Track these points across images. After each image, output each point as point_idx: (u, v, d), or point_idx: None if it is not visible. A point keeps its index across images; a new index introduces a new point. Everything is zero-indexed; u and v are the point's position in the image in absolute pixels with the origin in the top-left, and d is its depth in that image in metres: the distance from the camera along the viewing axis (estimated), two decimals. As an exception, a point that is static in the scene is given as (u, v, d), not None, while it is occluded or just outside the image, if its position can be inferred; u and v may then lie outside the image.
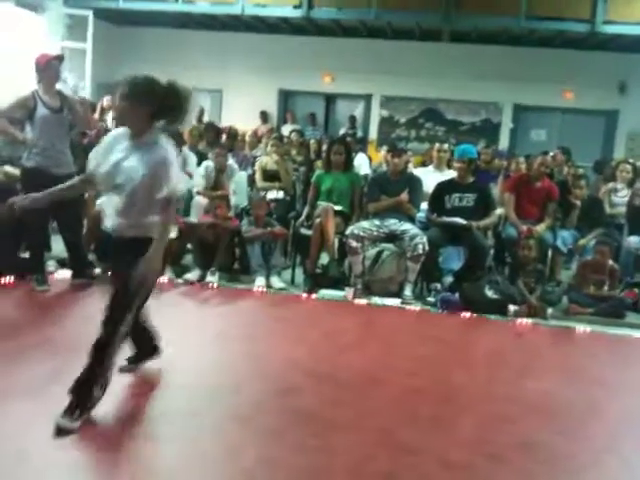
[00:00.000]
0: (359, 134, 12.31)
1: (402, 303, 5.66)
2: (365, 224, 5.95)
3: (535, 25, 10.68)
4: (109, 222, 3.10)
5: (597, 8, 10.23)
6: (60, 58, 5.34)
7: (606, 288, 5.76)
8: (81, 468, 2.66)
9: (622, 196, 6.94)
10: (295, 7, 11.25)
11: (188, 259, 6.32)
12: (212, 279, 5.81)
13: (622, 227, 6.61)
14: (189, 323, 4.78)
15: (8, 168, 6.37)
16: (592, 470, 2.92)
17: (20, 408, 3.05)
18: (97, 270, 5.68)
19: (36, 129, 5.07)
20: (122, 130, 3.12)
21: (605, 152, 11.92)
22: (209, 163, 7.00)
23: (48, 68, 5.14)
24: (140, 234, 3.06)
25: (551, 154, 6.84)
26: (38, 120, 5.07)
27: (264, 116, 12.76)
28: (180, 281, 5.81)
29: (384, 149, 9.85)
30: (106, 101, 9.52)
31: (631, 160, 8.20)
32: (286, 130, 11.34)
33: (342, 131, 12.42)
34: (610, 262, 5.81)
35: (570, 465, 2.94)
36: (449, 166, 6.91)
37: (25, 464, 2.57)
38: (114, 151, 3.04)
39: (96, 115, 9.01)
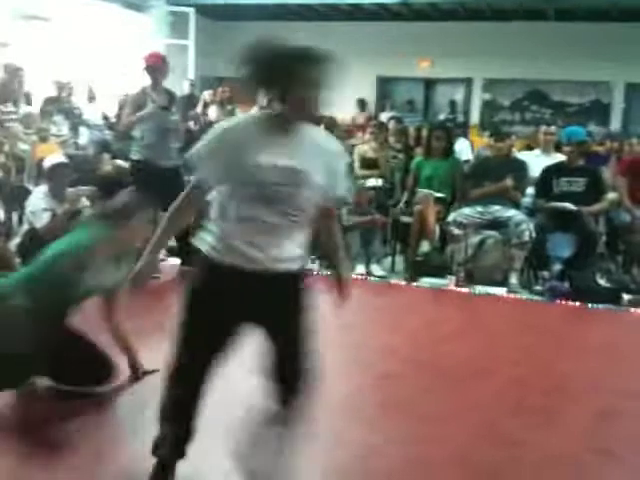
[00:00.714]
0: (460, 119, 12.03)
1: (508, 292, 5.49)
2: (467, 211, 5.79)
3: (645, -1, 10.03)
4: (245, 255, 2.14)
5: None
6: (167, 61, 5.54)
7: None
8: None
9: None
10: (392, -8, 11.11)
11: (288, 248, 6.39)
12: (312, 266, 5.84)
13: None
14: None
15: (119, 162, 6.68)
16: None
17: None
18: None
19: (144, 124, 5.29)
20: (247, 119, 2.34)
21: None
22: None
23: (156, 67, 5.36)
24: (299, 267, 2.28)
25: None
26: (147, 116, 5.28)
27: (362, 104, 12.70)
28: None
29: (486, 134, 9.57)
30: (208, 95, 9.79)
31: None
32: (384, 117, 11.24)
33: (442, 116, 12.18)
34: None
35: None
36: (557, 149, 6.61)
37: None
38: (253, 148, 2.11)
39: (199, 109, 9.30)
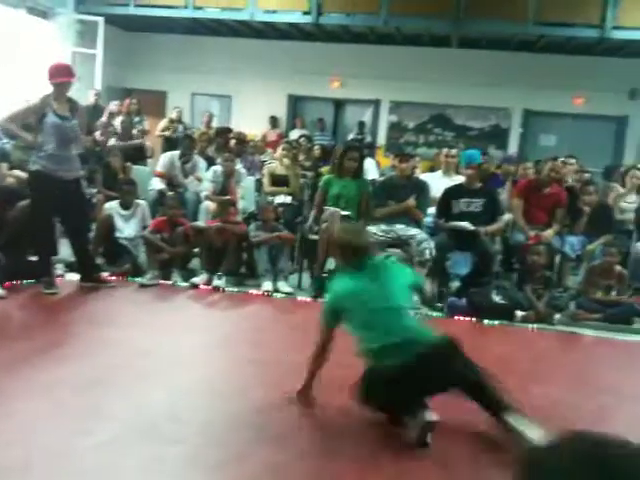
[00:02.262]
0: (367, 139, 12.31)
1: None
2: (372, 229, 5.94)
3: (544, 31, 10.67)
4: None
5: (607, 14, 10.19)
6: (73, 75, 5.37)
7: (614, 293, 5.72)
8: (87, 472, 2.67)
9: (631, 202, 6.91)
10: (304, 13, 11.28)
11: (195, 263, 6.33)
12: (219, 283, 5.82)
13: (631, 233, 6.58)
14: (195, 327, 4.79)
15: (18, 172, 6.43)
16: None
17: (25, 409, 3.06)
18: (105, 274, 5.72)
19: (45, 134, 5.11)
20: None
21: (615, 158, 11.86)
22: (217, 168, 7.04)
23: (60, 77, 5.17)
24: None
25: (561, 159, 6.81)
26: (47, 126, 5.11)
27: (274, 121, 12.79)
28: (187, 285, 5.82)
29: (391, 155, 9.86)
30: (113, 105, 9.59)
31: (640, 166, 8.18)
32: (295, 135, 11.37)
33: (351, 136, 12.43)
34: (618, 267, 5.78)
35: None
36: (457, 171, 6.90)
37: (29, 471, 2.58)
38: None
39: (104, 119, 9.09)
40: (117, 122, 9.14)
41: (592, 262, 6.09)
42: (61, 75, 5.20)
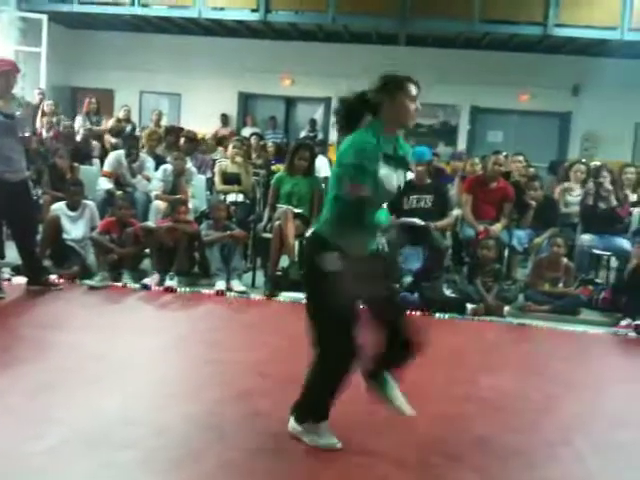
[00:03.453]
0: (319, 137, 12.34)
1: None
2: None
3: (489, 28, 10.89)
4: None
5: (549, 12, 10.45)
6: (17, 69, 5.24)
7: (561, 285, 5.88)
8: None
9: (576, 195, 7.10)
10: (252, 11, 11.25)
11: (146, 264, 6.25)
12: (171, 283, 5.76)
13: (576, 226, 6.76)
14: (148, 328, 4.74)
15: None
16: (547, 465, 2.97)
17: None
18: (53, 276, 5.60)
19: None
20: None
21: (560, 153, 12.18)
22: (167, 167, 6.96)
23: (5, 75, 5.04)
24: None
25: (504, 154, 6.94)
26: None
27: (225, 119, 12.71)
28: (138, 286, 5.74)
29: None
30: (47, 106, 9.42)
31: (584, 160, 8.41)
32: (246, 133, 11.32)
33: (302, 134, 12.44)
34: (565, 259, 5.94)
35: (525, 460, 2.99)
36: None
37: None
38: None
39: (38, 119, 8.93)
40: (77, 122, 9.00)
41: (539, 255, 6.24)
42: (5, 65, 5.07)
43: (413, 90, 2.80)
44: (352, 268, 2.64)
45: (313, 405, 2.96)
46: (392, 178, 2.79)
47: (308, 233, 5.85)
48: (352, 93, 2.84)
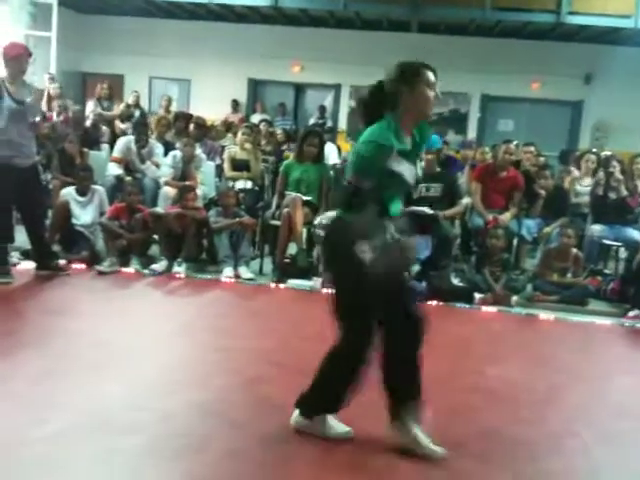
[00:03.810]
0: (328, 124, 12.30)
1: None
2: (333, 214, 5.94)
3: (501, 16, 10.79)
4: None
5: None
6: (29, 53, 5.24)
7: (570, 275, 5.86)
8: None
9: (586, 185, 7.06)
10: (263, -4, 11.20)
11: (154, 250, 6.27)
12: (179, 270, 5.78)
13: (586, 216, 6.73)
14: (156, 315, 4.76)
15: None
16: (552, 456, 2.96)
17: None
18: (62, 261, 5.62)
19: (2, 119, 4.97)
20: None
21: (571, 142, 12.10)
22: (177, 153, 6.97)
23: (17, 60, 5.04)
24: None
25: (515, 142, 6.91)
26: (4, 110, 4.97)
27: (235, 105, 12.67)
28: (146, 272, 5.76)
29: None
30: (52, 89, 9.41)
31: (595, 150, 8.36)
32: (255, 119, 11.30)
33: (312, 121, 12.40)
34: (574, 250, 5.91)
35: (531, 451, 2.98)
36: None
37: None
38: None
39: (43, 103, 8.93)
40: (89, 107, 8.98)
41: (548, 245, 6.22)
42: (17, 49, 5.08)
43: (431, 77, 2.76)
44: (382, 254, 2.62)
45: (324, 395, 2.89)
46: (411, 171, 2.80)
47: (316, 220, 5.87)
48: (369, 87, 2.81)
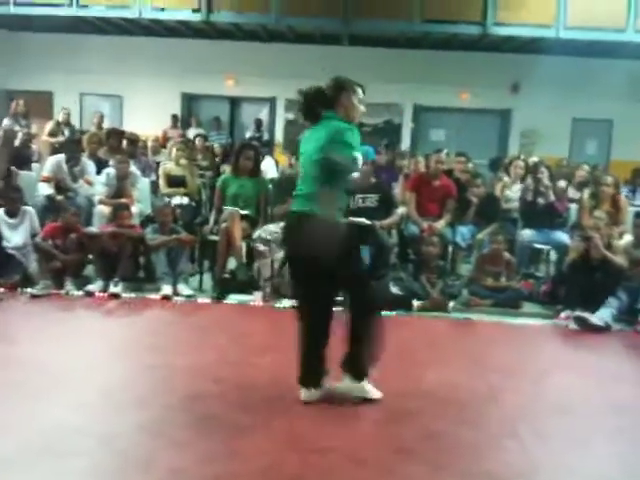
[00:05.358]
0: (265, 137, 12.31)
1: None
2: (272, 227, 5.96)
3: (429, 28, 11.07)
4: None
5: (487, 11, 10.70)
6: None
7: (503, 279, 6.03)
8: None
9: (516, 191, 7.29)
10: (194, 11, 11.15)
11: (90, 270, 6.14)
12: (115, 289, 5.67)
13: (516, 221, 6.94)
14: (93, 336, 4.65)
15: None
16: (494, 455, 3.05)
17: None
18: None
19: None
20: None
21: (500, 150, 12.46)
22: (110, 170, 6.86)
23: None
24: None
25: (445, 151, 7.08)
26: None
27: (175, 120, 12.49)
28: (82, 293, 5.64)
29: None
30: None
31: (523, 157, 8.65)
32: (191, 134, 11.22)
33: (248, 134, 12.39)
34: (506, 254, 6.09)
35: (473, 452, 3.06)
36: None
37: None
38: None
39: None
40: (5, 123, 8.73)
41: (481, 250, 6.39)
42: None
43: (361, 93, 3.50)
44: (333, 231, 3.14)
45: (305, 364, 3.49)
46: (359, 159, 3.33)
47: (255, 234, 5.87)
48: (309, 87, 3.43)
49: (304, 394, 3.48)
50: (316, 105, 3.41)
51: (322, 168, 3.28)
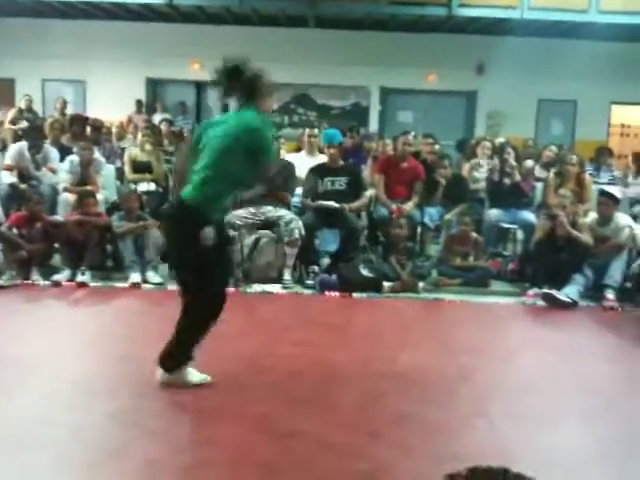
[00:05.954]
0: (231, 122, 12.17)
1: (282, 288, 5.73)
2: (241, 212, 5.93)
3: (395, 10, 11.03)
4: None
5: (453, -8, 10.71)
6: None
7: (471, 259, 6.09)
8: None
9: (483, 172, 7.34)
10: (157, -7, 10.96)
11: (56, 259, 6.04)
12: (83, 278, 5.59)
13: (483, 201, 7.00)
14: (60, 326, 4.58)
15: None
16: (463, 435, 3.06)
17: None
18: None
19: None
20: None
21: (466, 131, 12.53)
22: (74, 157, 6.73)
23: None
24: None
25: (412, 133, 7.09)
26: None
27: (139, 105, 12.29)
28: (48, 283, 5.55)
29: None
30: None
31: (489, 137, 8.71)
32: (156, 119, 11.06)
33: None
34: (474, 234, 6.15)
35: (443, 433, 3.08)
36: (321, 151, 7.02)
37: None
38: None
39: None
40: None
41: (450, 231, 6.43)
42: None
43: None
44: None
45: (183, 351, 3.38)
46: None
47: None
48: (227, 62, 3.41)
49: (165, 376, 3.41)
50: (235, 88, 3.40)
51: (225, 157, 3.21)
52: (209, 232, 3.16)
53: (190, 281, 3.34)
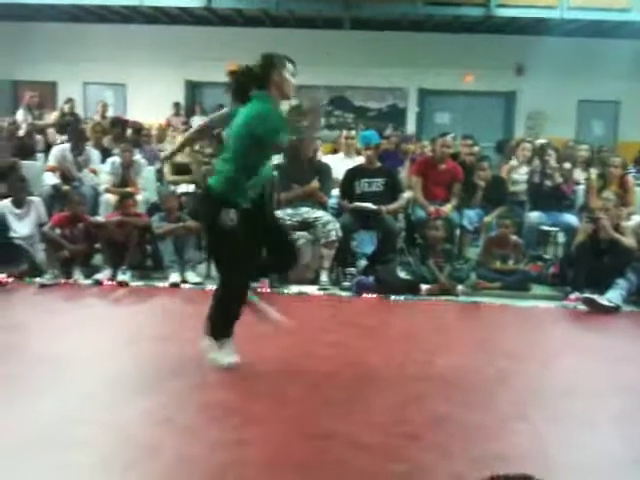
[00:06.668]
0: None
1: (319, 289, 5.73)
2: (278, 214, 5.94)
3: (432, 11, 10.99)
4: None
5: (491, -8, 10.61)
6: None
7: (511, 262, 6.01)
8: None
9: (523, 174, 7.24)
10: (195, -4, 11.10)
11: (97, 259, 6.14)
12: (123, 278, 5.68)
13: (524, 204, 6.90)
14: (100, 325, 4.65)
15: None
16: (502, 439, 3.02)
17: None
18: (1, 275, 5.46)
19: None
20: None
21: (506, 132, 12.39)
22: (115, 159, 6.85)
23: None
24: None
25: (451, 135, 7.03)
26: None
27: (177, 107, 12.45)
28: (90, 282, 5.64)
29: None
30: None
31: (529, 139, 8.59)
32: (195, 122, 11.17)
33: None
34: (514, 237, 6.07)
35: (482, 436, 3.03)
36: (358, 152, 7.01)
37: None
38: None
39: None
40: (19, 115, 8.74)
41: (489, 234, 6.36)
42: None
43: (292, 67, 3.47)
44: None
45: (216, 324, 3.58)
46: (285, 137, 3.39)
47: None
48: (239, 67, 3.46)
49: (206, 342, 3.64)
50: (248, 85, 3.43)
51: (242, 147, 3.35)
52: (228, 213, 3.30)
53: (215, 261, 3.65)
